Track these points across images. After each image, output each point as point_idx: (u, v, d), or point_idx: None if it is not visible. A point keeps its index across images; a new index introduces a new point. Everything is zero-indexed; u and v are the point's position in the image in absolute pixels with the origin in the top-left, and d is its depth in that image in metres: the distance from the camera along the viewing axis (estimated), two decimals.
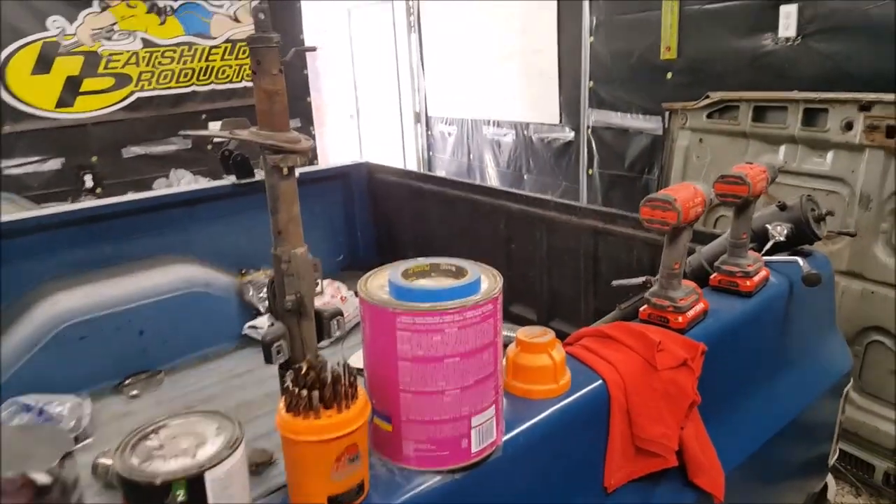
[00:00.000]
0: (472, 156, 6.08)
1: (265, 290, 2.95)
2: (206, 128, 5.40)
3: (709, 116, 3.16)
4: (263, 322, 2.82)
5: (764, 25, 3.11)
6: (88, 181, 4.96)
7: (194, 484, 0.75)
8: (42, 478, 0.74)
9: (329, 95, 8.26)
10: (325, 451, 0.86)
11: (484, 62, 5.71)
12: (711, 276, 1.66)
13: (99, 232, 2.74)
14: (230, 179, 3.10)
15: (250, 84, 5.49)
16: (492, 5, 5.50)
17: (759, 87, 3.01)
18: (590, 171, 4.64)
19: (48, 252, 2.60)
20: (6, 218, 2.60)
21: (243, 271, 3.08)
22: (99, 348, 2.50)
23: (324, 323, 1.69)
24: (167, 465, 0.76)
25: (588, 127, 4.56)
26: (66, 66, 4.80)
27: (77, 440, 2.15)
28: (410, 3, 6.59)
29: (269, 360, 1.55)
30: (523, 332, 1.21)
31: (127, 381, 2.56)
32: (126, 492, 0.76)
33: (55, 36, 4.73)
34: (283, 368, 1.62)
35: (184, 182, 4.78)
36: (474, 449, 0.99)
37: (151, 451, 0.79)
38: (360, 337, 1.01)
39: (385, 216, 3.59)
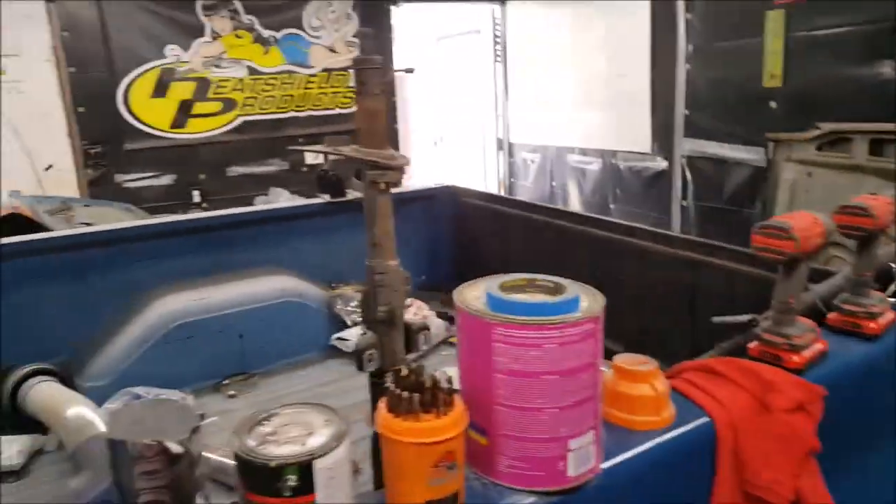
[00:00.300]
0: (554, 183, 6.05)
1: (353, 303, 3.04)
2: (302, 152, 5.66)
3: (818, 148, 3.01)
4: (351, 334, 2.88)
5: (881, 52, 2.94)
6: (196, 196, 5.29)
7: (304, 470, 0.78)
8: (175, 447, 0.79)
9: (415, 123, 8.48)
10: (424, 453, 0.86)
11: (569, 89, 5.71)
12: (829, 316, 1.54)
13: (206, 241, 2.91)
14: (324, 198, 3.23)
15: (344, 111, 5.76)
16: (579, 32, 5.51)
17: (874, 119, 2.84)
18: (683, 203, 4.50)
19: (162, 257, 2.79)
20: (125, 225, 2.80)
21: (333, 285, 3.17)
22: (202, 349, 2.64)
23: (412, 336, 1.71)
24: (279, 450, 0.79)
25: (682, 156, 4.45)
26: (181, 90, 5.18)
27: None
28: (497, 32, 6.70)
29: (360, 367, 1.58)
30: (622, 360, 1.16)
31: (225, 382, 2.67)
32: (242, 471, 0.79)
33: (171, 63, 5.11)
34: (374, 377, 1.64)
35: (281, 199, 5.00)
36: (571, 473, 0.96)
37: (265, 436, 0.82)
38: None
39: (467, 239, 3.61)
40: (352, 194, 3.17)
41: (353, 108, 1.69)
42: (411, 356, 1.82)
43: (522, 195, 6.63)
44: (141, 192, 5.13)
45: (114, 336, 2.62)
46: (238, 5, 5.20)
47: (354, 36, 5.58)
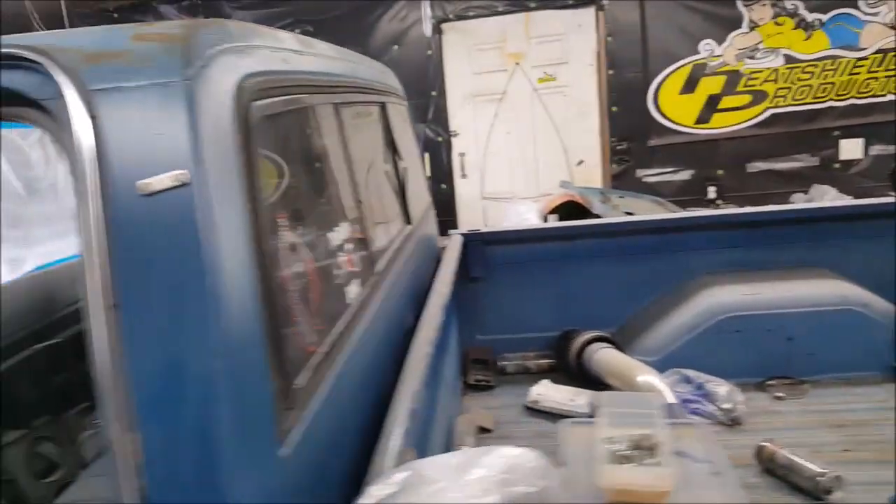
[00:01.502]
0: None
1: None
2: (836, 145, 5.05)
3: None
4: None
5: None
6: (711, 192, 5.26)
7: None
8: None
9: None
10: None
11: None
12: None
13: (756, 237, 2.84)
14: None
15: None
16: None
17: None
18: None
19: (708, 248, 2.83)
20: (674, 216, 2.91)
21: None
22: (749, 344, 2.58)
23: None
24: None
25: None
26: (709, 85, 5.19)
27: (732, 423, 2.27)
28: None
29: None
30: None
31: (771, 382, 2.56)
32: None
33: (704, 58, 5.15)
34: None
35: (827, 198, 4.55)
36: None
37: None
38: None
39: None
40: None
41: None
42: None
43: None
44: (657, 187, 5.35)
45: (663, 317, 2.76)
46: None
47: None
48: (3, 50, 0.85)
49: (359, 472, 1.07)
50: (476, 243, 2.95)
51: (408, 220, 2.18)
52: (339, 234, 1.26)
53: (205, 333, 0.77)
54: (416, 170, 2.71)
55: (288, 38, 1.23)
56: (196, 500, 0.77)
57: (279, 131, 1.02)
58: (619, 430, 1.06)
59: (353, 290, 1.31)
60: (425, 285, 2.15)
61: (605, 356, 2.54)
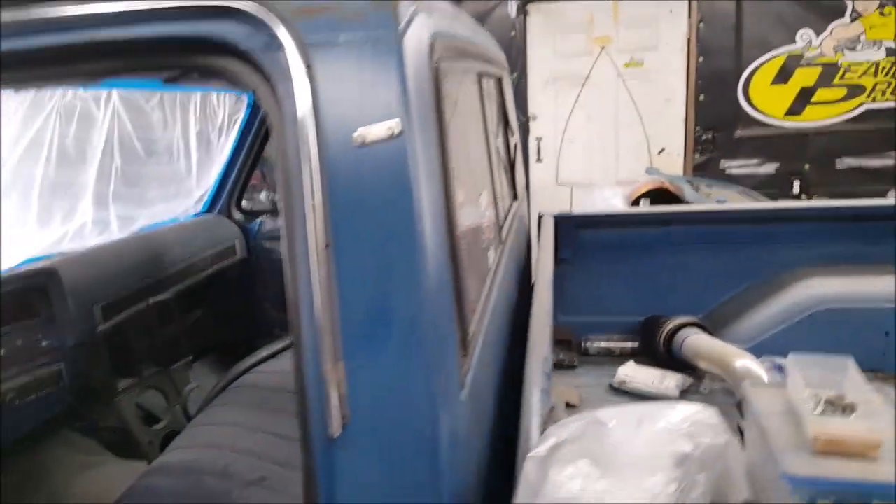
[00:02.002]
0: None
1: None
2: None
3: None
4: None
5: None
6: (796, 187, 5.10)
7: None
8: None
9: None
10: None
11: None
12: None
13: (853, 231, 2.76)
14: None
15: None
16: None
17: None
18: None
19: (804, 240, 2.77)
20: (771, 206, 2.84)
21: None
22: (845, 337, 2.49)
23: None
24: None
25: None
26: (804, 76, 5.00)
27: None
28: None
29: None
30: None
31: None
32: None
33: (800, 48, 4.97)
34: None
35: None
36: None
37: None
38: None
39: None
40: None
41: None
42: None
43: None
44: (740, 180, 5.20)
45: (753, 307, 2.72)
46: None
47: None
48: (218, 2, 0.88)
49: (497, 428, 1.11)
50: (567, 225, 2.95)
51: (515, 195, 2.21)
52: (484, 199, 1.30)
53: (411, 278, 0.81)
54: (519, 147, 2.74)
55: (445, 3, 1.26)
56: (393, 436, 0.82)
57: (450, 92, 1.06)
58: (811, 390, 1.06)
59: (492, 254, 1.35)
60: (523, 262, 2.18)
61: (698, 341, 2.51)
